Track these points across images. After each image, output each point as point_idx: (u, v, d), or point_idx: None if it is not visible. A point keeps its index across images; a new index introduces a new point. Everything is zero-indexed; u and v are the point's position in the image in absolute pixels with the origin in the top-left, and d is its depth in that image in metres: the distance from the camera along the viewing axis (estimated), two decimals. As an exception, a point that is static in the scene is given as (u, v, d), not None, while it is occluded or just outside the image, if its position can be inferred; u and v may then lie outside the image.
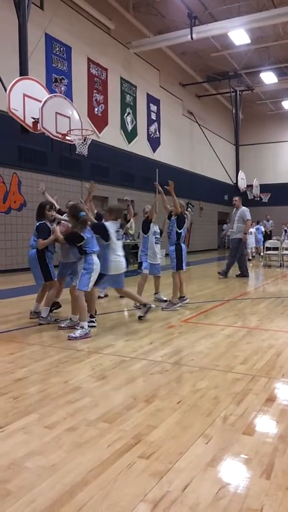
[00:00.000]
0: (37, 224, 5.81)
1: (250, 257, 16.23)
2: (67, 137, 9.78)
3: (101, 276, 5.32)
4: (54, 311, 6.23)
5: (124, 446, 2.45)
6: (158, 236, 7.08)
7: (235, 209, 11.00)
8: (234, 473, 2.22)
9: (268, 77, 20.94)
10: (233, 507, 1.93)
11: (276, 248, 14.91)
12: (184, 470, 2.21)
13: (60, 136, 9.63)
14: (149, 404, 3.03)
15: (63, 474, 2.18)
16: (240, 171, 22.57)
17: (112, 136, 15.72)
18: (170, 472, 2.19)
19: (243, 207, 10.86)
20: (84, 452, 2.39)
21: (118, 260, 5.50)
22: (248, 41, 16.53)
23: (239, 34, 15.98)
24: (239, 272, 11.01)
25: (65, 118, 9.74)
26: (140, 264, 7.15)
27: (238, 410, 2.91)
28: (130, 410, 2.92)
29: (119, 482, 2.12)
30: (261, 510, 1.91)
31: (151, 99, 18.40)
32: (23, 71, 9.94)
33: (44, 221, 5.79)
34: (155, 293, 7.46)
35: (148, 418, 2.81)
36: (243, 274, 10.93)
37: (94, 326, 5.42)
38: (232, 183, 23.88)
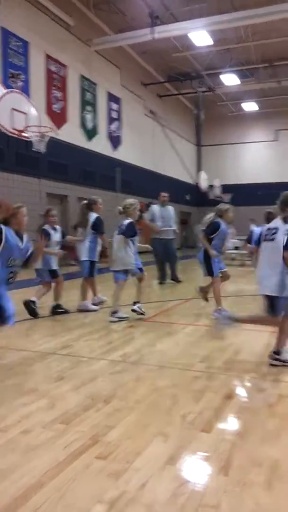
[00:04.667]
0: None
1: None
2: (23, 134, 9.57)
3: None
4: None
5: (81, 447, 2.40)
6: None
7: (161, 206, 10.07)
8: (192, 470, 2.21)
9: (230, 79, 21.22)
10: (190, 504, 1.92)
11: (237, 248, 15.14)
12: (141, 470, 2.18)
13: (16, 132, 9.41)
14: (107, 404, 2.98)
15: (17, 478, 2.11)
16: (201, 171, 22.81)
17: (71, 134, 15.51)
18: (128, 471, 2.16)
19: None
20: (40, 455, 2.32)
21: None
22: (210, 42, 16.67)
23: (200, 36, 16.09)
24: None
25: (21, 114, 9.53)
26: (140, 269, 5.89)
27: (196, 408, 2.91)
28: (87, 411, 2.86)
29: (75, 483, 2.07)
30: (218, 506, 1.91)
31: (112, 98, 18.30)
32: (-21, 66, 9.65)
33: None
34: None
35: (106, 418, 2.76)
36: None
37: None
38: (193, 183, 24.11)
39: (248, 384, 3.47)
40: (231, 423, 2.75)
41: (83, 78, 16.22)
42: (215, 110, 26.14)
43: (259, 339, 4.85)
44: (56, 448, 2.39)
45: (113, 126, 18.50)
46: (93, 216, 6.65)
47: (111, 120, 18.31)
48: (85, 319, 6.09)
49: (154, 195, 21.55)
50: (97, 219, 6.63)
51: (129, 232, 5.75)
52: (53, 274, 6.24)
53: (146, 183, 20.71)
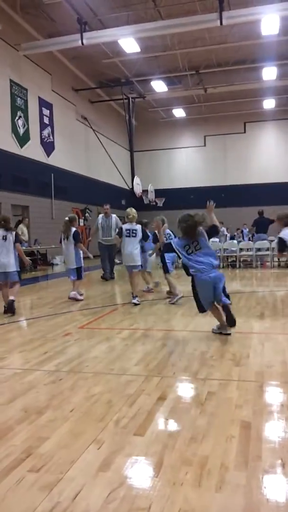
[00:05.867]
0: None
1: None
2: None
3: None
4: None
5: (13, 462, 2.37)
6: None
7: (104, 217, 11.46)
8: (125, 475, 2.25)
9: (158, 86, 21.67)
10: (123, 508, 1.96)
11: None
12: (75, 479, 2.20)
13: None
14: (41, 415, 2.96)
15: None
16: (135, 177, 23.03)
17: (2, 140, 15.14)
18: (61, 482, 2.17)
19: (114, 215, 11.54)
20: None
21: None
22: (138, 49, 16.92)
23: (129, 42, 16.31)
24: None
25: None
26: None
27: (130, 412, 2.96)
28: (20, 424, 2.83)
29: (7, 499, 2.05)
30: (149, 508, 1.96)
31: (43, 103, 18.06)
32: None
33: None
34: None
35: (39, 430, 2.75)
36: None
37: None
38: (128, 188, 24.29)
39: (179, 384, 3.58)
40: (163, 425, 2.83)
41: (12, 83, 15.87)
42: (147, 116, 26.56)
43: (191, 339, 5.01)
44: (-12, 465, 2.35)
45: (46, 132, 18.26)
46: (73, 229, 8.15)
47: (43, 126, 18.06)
48: (20, 330, 5.99)
49: (90, 200, 21.59)
50: (76, 232, 8.20)
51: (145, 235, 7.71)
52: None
53: (81, 189, 20.63)
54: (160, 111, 26.33)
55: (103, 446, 2.51)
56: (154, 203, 24.54)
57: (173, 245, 5.08)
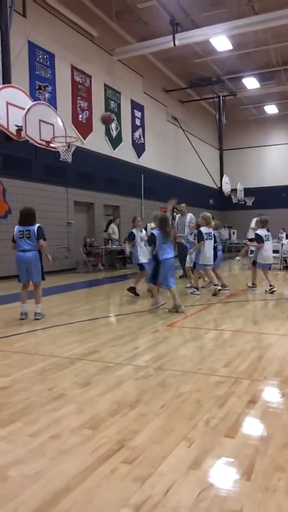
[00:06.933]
0: (36, 227, 6.38)
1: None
2: (51, 145, 9.80)
3: None
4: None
5: (107, 451, 2.47)
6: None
7: (180, 215, 11.90)
8: (215, 475, 2.25)
9: (250, 83, 21.18)
10: (213, 509, 1.97)
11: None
12: (166, 474, 2.24)
13: (44, 143, 9.64)
14: (132, 409, 3.05)
15: (46, 482, 2.19)
16: (224, 176, 22.71)
17: (97, 143, 15.75)
18: (153, 476, 2.22)
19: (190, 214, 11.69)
20: (68, 459, 2.41)
21: None
22: (230, 47, 16.68)
23: (221, 41, 16.13)
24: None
25: (48, 126, 9.75)
26: None
27: (220, 413, 2.95)
28: (114, 416, 2.94)
29: (102, 487, 2.14)
30: (241, 511, 1.95)
31: (135, 105, 18.48)
32: (6, 79, 9.93)
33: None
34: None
35: (131, 423, 2.84)
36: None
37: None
38: (216, 187, 24.01)
39: (271, 388, 3.49)
40: (254, 428, 2.78)
41: (107, 87, 16.45)
42: (237, 114, 26.06)
43: (282, 343, 4.85)
44: (84, 453, 2.47)
45: (137, 134, 18.67)
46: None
47: (134, 127, 18.48)
48: (111, 325, 6.20)
49: (178, 200, 21.68)
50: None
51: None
52: (140, 266, 8.71)
53: (169, 189, 20.78)
54: (251, 108, 25.71)
55: (193, 445, 2.53)
56: (242, 202, 24.05)
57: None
